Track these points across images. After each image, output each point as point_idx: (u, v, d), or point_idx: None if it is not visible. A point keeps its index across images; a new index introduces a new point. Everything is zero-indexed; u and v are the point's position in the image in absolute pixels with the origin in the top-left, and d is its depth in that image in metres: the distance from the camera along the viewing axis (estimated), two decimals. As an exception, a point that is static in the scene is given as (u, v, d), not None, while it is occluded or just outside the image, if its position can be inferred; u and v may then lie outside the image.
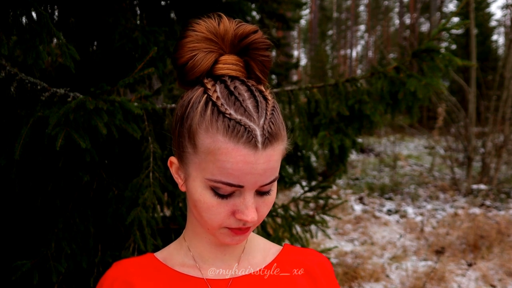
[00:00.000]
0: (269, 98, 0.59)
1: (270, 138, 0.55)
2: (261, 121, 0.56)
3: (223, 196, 0.58)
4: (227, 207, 0.58)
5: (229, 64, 0.60)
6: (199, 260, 0.69)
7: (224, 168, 0.55)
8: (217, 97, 0.57)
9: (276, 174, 0.59)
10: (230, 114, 0.55)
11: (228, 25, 0.60)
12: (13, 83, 1.29)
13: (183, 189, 0.65)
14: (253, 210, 0.58)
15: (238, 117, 0.55)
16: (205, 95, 0.58)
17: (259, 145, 0.54)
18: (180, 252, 0.71)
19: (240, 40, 0.60)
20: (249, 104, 0.56)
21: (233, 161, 0.55)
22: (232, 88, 0.58)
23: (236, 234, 0.61)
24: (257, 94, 0.58)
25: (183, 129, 0.60)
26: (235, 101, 0.56)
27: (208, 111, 0.56)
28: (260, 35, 0.61)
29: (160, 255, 0.72)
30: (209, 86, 0.58)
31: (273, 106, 0.59)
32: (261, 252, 0.73)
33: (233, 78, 0.60)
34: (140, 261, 0.71)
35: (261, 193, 0.59)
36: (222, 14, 0.61)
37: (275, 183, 0.62)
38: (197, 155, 0.58)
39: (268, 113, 0.57)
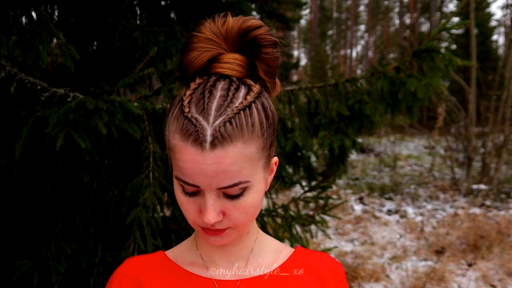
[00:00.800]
0: (249, 97, 0.57)
1: (220, 139, 0.53)
2: (218, 121, 0.53)
3: (189, 194, 0.58)
4: (194, 205, 0.58)
5: (223, 63, 0.59)
6: (207, 259, 0.69)
7: (179, 167, 0.56)
8: (189, 95, 0.57)
9: (241, 178, 0.55)
10: (187, 112, 0.55)
11: (231, 23, 0.59)
12: (13, 83, 1.29)
13: None
14: (211, 212, 0.56)
15: (195, 115, 0.54)
16: (183, 94, 0.58)
17: (206, 145, 0.53)
18: (191, 250, 0.71)
19: (242, 37, 0.59)
20: (214, 103, 0.55)
21: (184, 160, 0.55)
22: (207, 87, 0.57)
23: (209, 235, 0.61)
24: (232, 93, 0.56)
25: (165, 125, 0.61)
26: (200, 100, 0.55)
27: (176, 109, 0.57)
28: (263, 31, 0.59)
29: (171, 253, 0.72)
30: (192, 85, 0.58)
31: (247, 106, 0.55)
32: (272, 254, 0.71)
33: (224, 77, 0.59)
34: (151, 259, 0.71)
35: (228, 196, 0.57)
36: (229, 14, 0.60)
37: (252, 188, 0.58)
38: (168, 151, 0.60)
39: (230, 113, 0.54)
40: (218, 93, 0.56)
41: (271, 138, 0.60)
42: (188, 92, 0.57)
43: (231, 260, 0.69)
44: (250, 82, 0.59)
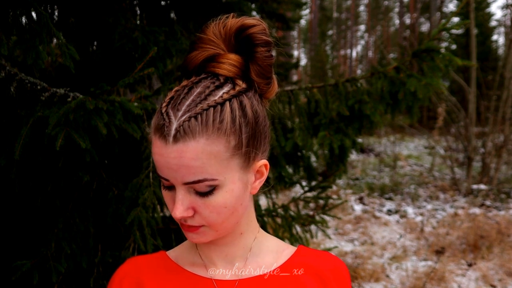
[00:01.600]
0: (225, 96, 0.56)
1: (182, 133, 0.54)
2: (184, 116, 0.54)
3: (167, 188, 0.60)
4: (172, 200, 0.60)
5: (218, 62, 0.60)
6: (206, 259, 0.69)
7: (154, 159, 0.58)
8: (173, 92, 0.59)
9: (206, 175, 0.55)
10: (163, 107, 0.57)
11: (230, 24, 0.59)
12: (13, 83, 1.29)
13: None
14: (179, 206, 0.57)
15: (168, 110, 0.56)
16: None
17: (170, 138, 0.54)
18: (191, 250, 0.71)
19: (236, 36, 0.59)
20: (189, 100, 0.56)
21: (154, 152, 0.57)
22: (189, 84, 0.59)
23: (184, 230, 0.62)
24: (211, 90, 0.57)
25: None
26: (179, 96, 0.57)
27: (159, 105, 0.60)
28: (257, 30, 0.59)
29: (172, 253, 0.72)
30: (184, 82, 0.61)
31: (219, 103, 0.55)
32: (273, 254, 0.71)
33: (214, 75, 0.60)
34: (152, 259, 0.72)
35: (198, 193, 0.57)
36: (233, 15, 0.61)
37: (223, 187, 0.57)
38: None
39: (198, 109, 0.55)
40: (197, 90, 0.57)
41: (251, 138, 0.59)
42: (175, 89, 0.59)
43: (229, 260, 0.68)
44: (238, 81, 0.60)
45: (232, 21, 0.59)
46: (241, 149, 0.58)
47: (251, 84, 0.61)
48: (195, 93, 0.57)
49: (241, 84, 0.60)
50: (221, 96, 0.57)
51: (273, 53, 0.61)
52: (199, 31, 0.61)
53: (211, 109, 0.55)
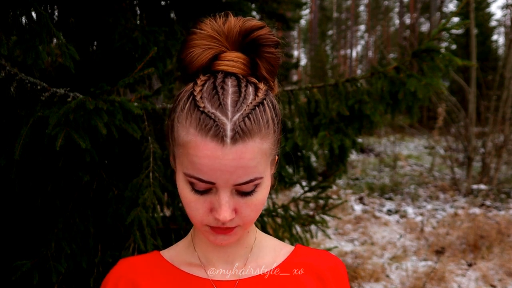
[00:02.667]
0: (260, 94, 0.57)
1: (241, 133, 0.53)
2: (236, 116, 0.53)
3: (199, 192, 0.57)
4: (205, 204, 0.57)
5: (227, 61, 0.59)
6: (204, 260, 0.68)
7: (194, 163, 0.54)
8: (199, 91, 0.56)
9: (256, 174, 0.56)
10: (203, 107, 0.54)
11: (233, 23, 0.59)
12: (13, 83, 1.29)
13: None
14: (226, 209, 0.56)
15: (212, 110, 0.53)
16: (191, 90, 0.57)
17: (227, 139, 0.52)
18: (187, 251, 0.70)
19: (244, 36, 0.59)
20: (230, 98, 0.55)
21: (201, 155, 0.53)
22: (217, 83, 0.57)
23: (218, 233, 0.60)
24: (244, 89, 0.56)
25: (170, 122, 0.60)
26: (214, 95, 0.55)
27: (187, 105, 0.56)
28: (266, 32, 0.59)
29: (167, 253, 0.71)
30: (199, 81, 0.58)
31: (260, 102, 0.56)
32: (271, 253, 0.70)
33: (229, 74, 0.59)
34: (146, 259, 0.70)
35: (241, 193, 0.57)
36: (230, 13, 0.60)
37: (263, 184, 0.58)
38: (177, 148, 0.58)
39: (247, 108, 0.54)
40: (230, 89, 0.56)
41: (279, 136, 0.61)
42: (198, 88, 0.57)
43: (230, 260, 0.68)
44: (254, 80, 0.60)
45: (235, 20, 0.59)
46: (277, 145, 0.60)
47: (267, 82, 0.62)
48: (230, 92, 0.55)
49: (259, 83, 0.60)
50: (257, 95, 0.57)
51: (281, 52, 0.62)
52: (194, 26, 0.60)
53: (257, 108, 0.55)
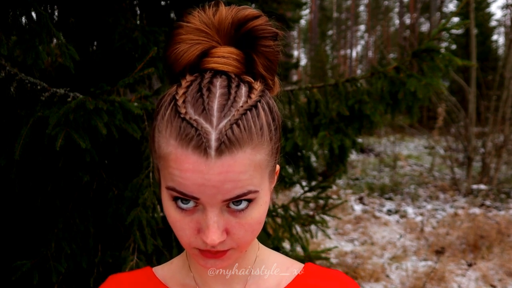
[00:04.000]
0: (253, 96, 0.49)
1: (228, 143, 0.45)
2: (223, 123, 0.45)
3: (184, 210, 0.49)
4: (191, 224, 0.50)
5: (217, 57, 0.51)
6: (200, 281, 0.61)
7: (175, 176, 0.47)
8: (183, 94, 0.48)
9: (250, 187, 0.47)
10: (185, 113, 0.46)
11: (225, 13, 0.51)
12: (13, 83, 1.29)
13: None
14: (214, 231, 0.48)
15: (194, 117, 0.46)
16: (174, 93, 0.50)
17: (211, 151, 0.45)
18: (182, 271, 0.63)
19: (237, 28, 0.51)
20: (216, 103, 0.47)
21: (182, 169, 0.46)
22: (203, 84, 0.49)
23: (208, 258, 0.51)
24: (235, 91, 0.48)
25: (151, 131, 0.53)
26: (198, 99, 0.47)
27: (168, 111, 0.49)
28: (263, 22, 0.51)
29: (160, 271, 0.65)
30: (183, 82, 0.50)
31: (253, 105, 0.48)
32: (276, 275, 0.63)
33: (219, 73, 0.51)
34: (137, 277, 0.65)
35: (233, 210, 0.49)
36: (221, 2, 0.52)
37: (258, 200, 0.50)
38: (158, 160, 0.51)
39: (236, 113, 0.46)
40: (218, 91, 0.48)
41: (277, 143, 0.53)
42: (181, 91, 0.49)
43: (227, 283, 0.61)
44: (249, 79, 0.52)
45: (227, 10, 0.51)
46: (274, 155, 0.52)
47: (265, 81, 0.54)
48: (218, 95, 0.48)
49: (255, 82, 0.52)
50: (249, 97, 0.49)
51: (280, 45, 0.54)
52: (179, 19, 0.53)
53: (249, 113, 0.47)
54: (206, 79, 0.49)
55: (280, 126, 0.54)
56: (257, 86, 0.51)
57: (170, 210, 0.50)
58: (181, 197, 0.48)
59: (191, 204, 0.49)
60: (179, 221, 0.50)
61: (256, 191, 0.49)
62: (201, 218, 0.49)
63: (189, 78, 0.51)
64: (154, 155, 0.52)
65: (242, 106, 0.47)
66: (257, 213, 0.51)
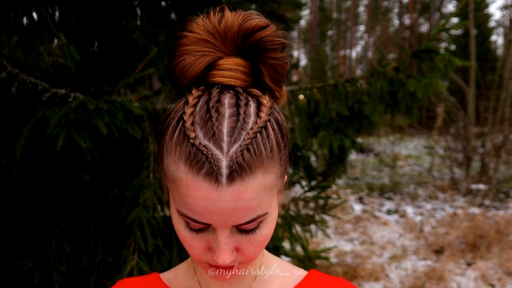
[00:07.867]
0: (263, 114, 0.47)
1: (239, 170, 0.44)
2: (233, 148, 0.44)
3: (195, 231, 0.50)
4: (202, 242, 0.50)
5: (224, 70, 0.49)
6: (205, 285, 0.62)
7: (186, 203, 0.47)
8: (191, 114, 0.47)
9: (259, 212, 0.47)
10: (194, 138, 0.45)
11: (231, 21, 0.49)
12: (14, 84, 1.30)
13: None
14: (225, 252, 0.48)
15: (204, 142, 0.45)
16: (181, 111, 0.48)
17: (223, 179, 0.44)
18: (187, 275, 0.64)
19: (244, 38, 0.49)
20: (225, 125, 0.45)
21: (193, 197, 0.46)
22: (212, 104, 0.47)
23: (217, 269, 0.53)
24: (244, 110, 0.47)
25: (159, 147, 0.51)
26: (207, 121, 0.46)
27: (176, 132, 0.47)
28: (270, 32, 0.49)
29: (166, 276, 0.66)
30: (190, 99, 0.48)
31: (263, 127, 0.47)
32: (279, 281, 0.63)
33: (227, 87, 0.50)
34: (144, 282, 0.66)
35: (243, 231, 0.49)
36: (226, 8, 0.50)
37: (268, 218, 0.50)
38: (168, 182, 0.50)
39: (246, 137, 0.45)
40: (227, 111, 0.47)
41: (287, 160, 0.52)
42: (189, 110, 0.47)
43: (232, 287, 0.61)
44: (257, 92, 0.50)
45: (232, 17, 0.49)
46: (284, 173, 0.51)
47: (272, 93, 0.53)
48: (227, 116, 0.46)
49: (263, 96, 0.50)
50: (259, 117, 0.47)
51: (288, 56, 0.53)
52: (183, 27, 0.51)
53: (259, 136, 0.46)
54: (214, 98, 0.48)
55: (289, 142, 0.53)
56: (266, 101, 0.50)
57: (180, 228, 0.51)
58: (190, 222, 0.49)
59: (201, 227, 0.49)
60: (189, 239, 0.51)
61: (265, 213, 0.49)
62: (211, 238, 0.49)
63: (195, 93, 0.49)
64: (162, 175, 0.51)
65: (251, 129, 0.46)
66: (267, 230, 0.51)
